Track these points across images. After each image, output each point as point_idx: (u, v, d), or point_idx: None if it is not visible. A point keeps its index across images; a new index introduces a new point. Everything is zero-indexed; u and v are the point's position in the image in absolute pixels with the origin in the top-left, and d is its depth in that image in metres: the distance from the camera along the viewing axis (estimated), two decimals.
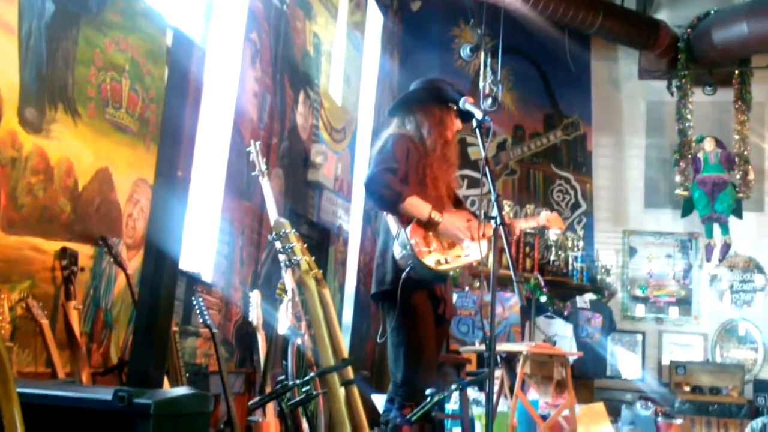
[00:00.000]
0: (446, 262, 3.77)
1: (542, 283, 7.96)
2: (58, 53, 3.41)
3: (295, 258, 3.71)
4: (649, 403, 8.21)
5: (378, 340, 4.02)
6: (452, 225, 3.82)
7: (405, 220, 3.79)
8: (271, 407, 4.39)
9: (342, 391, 3.55)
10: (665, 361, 9.91)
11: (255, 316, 4.69)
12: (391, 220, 3.87)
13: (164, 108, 3.92)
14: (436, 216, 3.78)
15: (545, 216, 4.57)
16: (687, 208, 10.10)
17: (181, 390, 3.04)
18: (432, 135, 3.99)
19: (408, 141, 3.93)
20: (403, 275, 3.71)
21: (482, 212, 3.46)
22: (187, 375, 4.02)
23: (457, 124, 4.12)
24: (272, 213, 4.35)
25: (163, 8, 4.24)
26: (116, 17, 3.81)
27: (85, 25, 3.58)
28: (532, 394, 6.01)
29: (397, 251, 3.77)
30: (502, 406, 5.84)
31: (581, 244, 8.91)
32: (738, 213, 9.89)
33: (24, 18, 3.20)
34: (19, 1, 3.17)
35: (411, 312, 3.79)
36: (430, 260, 3.72)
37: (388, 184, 3.74)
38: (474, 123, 3.49)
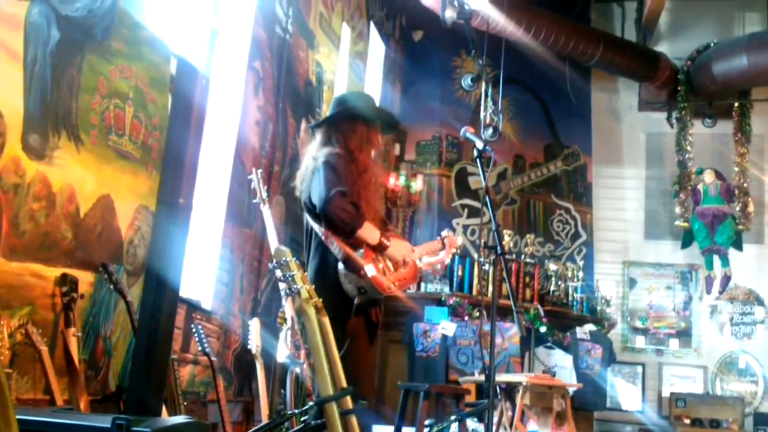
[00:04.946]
0: (394, 286, 3.72)
1: (542, 314, 7.93)
2: (62, 80, 3.43)
3: (295, 286, 3.69)
4: None
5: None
6: (398, 251, 3.75)
7: (355, 243, 3.66)
8: None
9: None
10: (665, 393, 9.86)
11: (254, 344, 4.68)
12: (332, 242, 3.70)
13: (167, 135, 3.95)
14: (385, 241, 3.70)
15: (447, 239, 4.15)
16: (687, 239, 10.10)
17: (179, 418, 3.03)
18: (362, 154, 3.87)
19: (346, 161, 3.77)
20: (356, 300, 3.61)
21: (482, 242, 3.44)
22: (185, 403, 4.00)
23: (381, 139, 4.03)
24: (273, 241, 4.35)
25: (168, 37, 4.27)
26: (121, 45, 3.84)
27: (89, 53, 3.61)
28: (532, 425, 5.97)
29: (345, 274, 3.65)
30: None
31: (581, 274, 8.89)
32: (738, 245, 9.88)
33: (29, 45, 3.22)
34: (25, 28, 3.20)
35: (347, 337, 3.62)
36: (384, 285, 3.65)
37: (345, 208, 3.59)
38: (475, 153, 3.49)
